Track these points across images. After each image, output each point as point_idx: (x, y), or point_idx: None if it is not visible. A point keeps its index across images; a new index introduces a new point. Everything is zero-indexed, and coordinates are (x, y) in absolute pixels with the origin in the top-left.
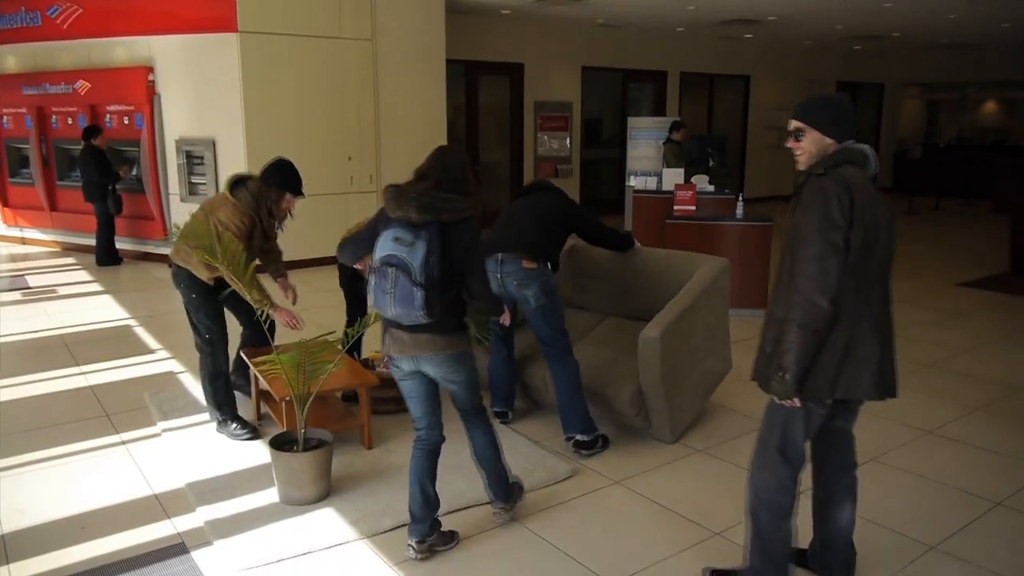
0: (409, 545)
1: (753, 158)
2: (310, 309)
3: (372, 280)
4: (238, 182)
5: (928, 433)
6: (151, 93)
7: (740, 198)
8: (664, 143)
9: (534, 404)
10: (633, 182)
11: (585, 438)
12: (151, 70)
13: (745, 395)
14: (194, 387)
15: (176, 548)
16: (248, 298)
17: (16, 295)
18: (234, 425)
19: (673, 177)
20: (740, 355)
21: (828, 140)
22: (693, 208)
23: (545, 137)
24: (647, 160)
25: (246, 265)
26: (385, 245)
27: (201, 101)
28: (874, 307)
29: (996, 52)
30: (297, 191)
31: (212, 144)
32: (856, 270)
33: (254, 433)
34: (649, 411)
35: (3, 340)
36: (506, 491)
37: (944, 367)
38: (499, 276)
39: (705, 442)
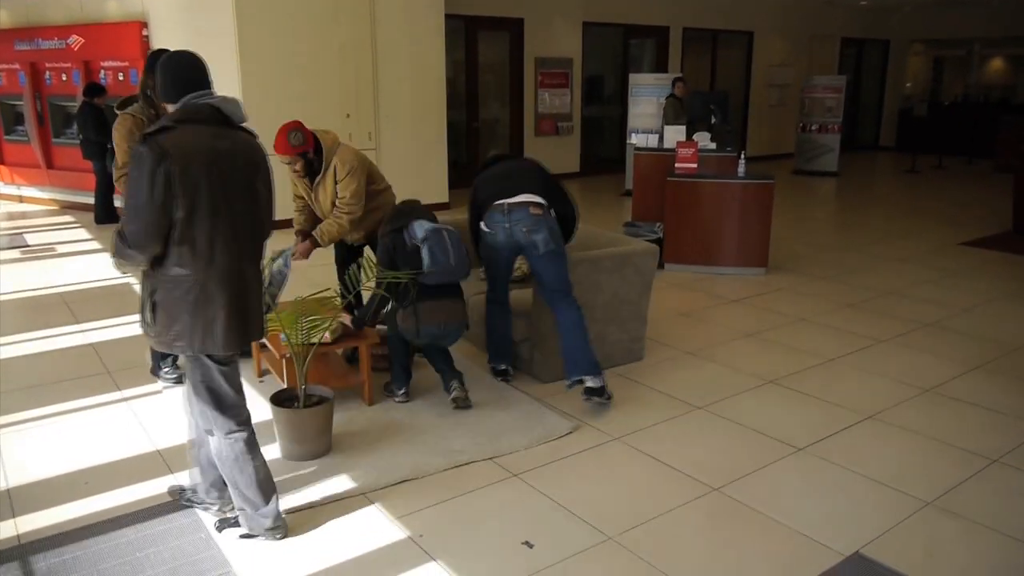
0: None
1: (755, 116)
2: (305, 268)
3: None
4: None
5: (927, 391)
6: (145, 48)
7: (742, 156)
8: (667, 98)
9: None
10: (634, 140)
11: (595, 382)
12: (145, 25)
13: (745, 353)
14: None
15: (179, 502)
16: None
17: (15, 253)
18: (165, 369)
19: (675, 135)
20: (739, 314)
21: (168, 105)
22: (694, 166)
23: (545, 94)
24: (648, 118)
25: None
26: None
27: None
28: (221, 265)
29: (1004, 8)
30: None
31: None
32: (194, 232)
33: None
34: (535, 343)
35: (2, 298)
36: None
37: (945, 326)
38: (507, 225)
39: (705, 399)
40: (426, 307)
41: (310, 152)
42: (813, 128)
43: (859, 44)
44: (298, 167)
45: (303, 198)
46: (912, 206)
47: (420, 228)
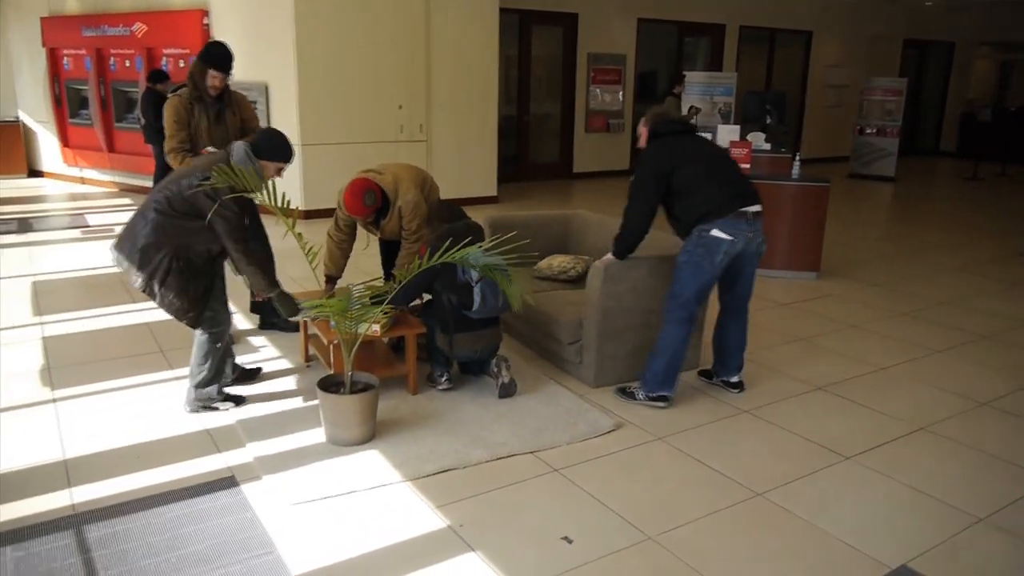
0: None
1: (811, 117)
2: (355, 257)
3: None
4: None
5: (982, 404)
6: (206, 36)
7: (796, 157)
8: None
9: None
10: None
11: (740, 376)
12: (206, 13)
13: (793, 358)
14: (245, 325)
15: (226, 481)
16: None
17: (76, 233)
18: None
19: (727, 134)
20: (789, 318)
21: None
22: (747, 166)
23: (597, 90)
24: (701, 116)
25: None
26: None
27: (254, 45)
28: None
29: None
30: (212, 63)
31: (265, 88)
32: None
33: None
34: (583, 346)
35: (63, 276)
36: None
37: (1003, 339)
38: (750, 234)
39: (750, 403)
40: (462, 338)
41: (380, 204)
42: (871, 131)
43: (922, 46)
44: (371, 219)
45: (343, 231)
46: (972, 214)
47: (477, 262)
